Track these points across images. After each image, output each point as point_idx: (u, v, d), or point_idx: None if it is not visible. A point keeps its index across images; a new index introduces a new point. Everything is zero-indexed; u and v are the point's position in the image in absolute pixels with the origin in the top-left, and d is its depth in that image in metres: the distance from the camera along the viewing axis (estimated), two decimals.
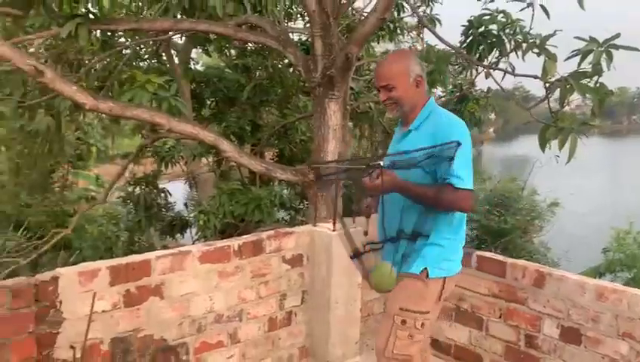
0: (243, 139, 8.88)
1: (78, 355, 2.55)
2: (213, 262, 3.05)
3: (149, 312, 2.81)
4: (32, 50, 6.52)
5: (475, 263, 3.34)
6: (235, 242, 3.16)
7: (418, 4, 7.48)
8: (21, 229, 8.78)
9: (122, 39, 6.75)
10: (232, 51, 9.18)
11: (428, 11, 7.50)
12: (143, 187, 8.76)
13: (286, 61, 7.93)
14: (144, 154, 8.03)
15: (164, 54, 9.07)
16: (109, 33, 5.65)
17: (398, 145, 2.49)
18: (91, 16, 4.05)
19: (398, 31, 7.78)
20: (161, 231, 8.98)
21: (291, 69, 8.08)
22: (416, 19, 7.89)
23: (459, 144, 2.17)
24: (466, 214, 2.45)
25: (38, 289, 2.48)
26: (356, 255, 2.36)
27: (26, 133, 6.96)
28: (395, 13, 7.47)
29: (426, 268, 2.33)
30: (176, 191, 10.07)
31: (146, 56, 8.63)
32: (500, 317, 3.22)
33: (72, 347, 2.54)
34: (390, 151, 2.53)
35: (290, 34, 6.59)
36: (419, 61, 2.40)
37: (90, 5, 3.96)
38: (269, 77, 8.82)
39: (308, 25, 5.83)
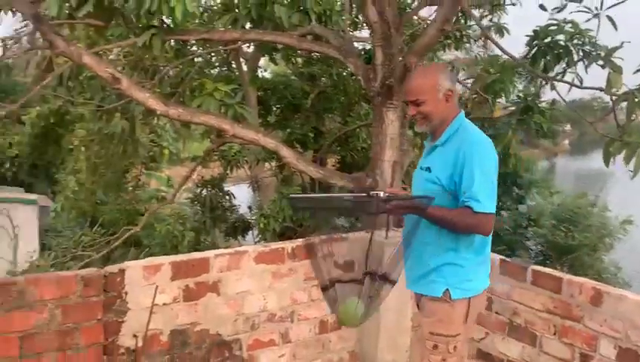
0: (306, 145, 9.06)
1: (140, 344, 2.73)
2: (268, 262, 3.18)
3: (206, 307, 2.97)
4: (111, 57, 6.98)
5: (530, 277, 3.28)
6: (289, 245, 3.28)
7: (486, 13, 7.37)
8: (96, 225, 9.36)
9: (194, 47, 7.09)
10: (299, 60, 9.40)
11: (496, 20, 7.38)
12: (209, 189, 9.12)
13: (349, 69, 8.03)
14: (211, 157, 8.36)
15: (233, 62, 9.41)
16: (181, 42, 5.96)
17: (425, 160, 2.47)
18: (166, 26, 4.32)
19: (465, 39, 7.70)
20: (225, 232, 9.29)
21: (354, 77, 8.18)
22: (485, 27, 7.78)
23: (430, 199, 2.16)
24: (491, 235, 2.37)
25: (107, 280, 2.69)
26: (324, 288, 2.35)
27: (103, 135, 7.45)
28: (463, 21, 7.40)
29: (447, 290, 2.28)
30: (241, 195, 10.39)
31: (217, 64, 8.98)
32: (555, 334, 3.14)
33: (134, 336, 2.73)
34: (419, 165, 2.50)
35: (356, 43, 6.68)
36: (449, 75, 2.38)
37: (164, 17, 4.21)
38: (333, 85, 8.97)
39: None
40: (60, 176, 12.64)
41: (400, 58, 4.10)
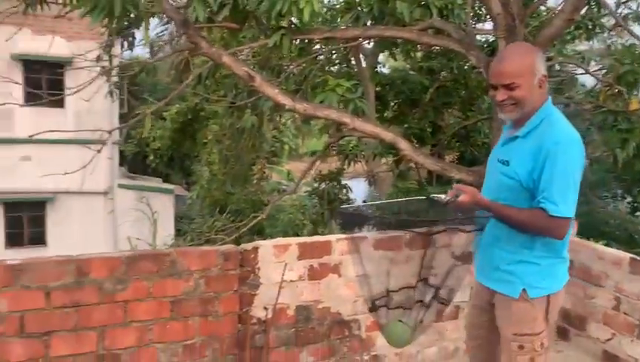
0: (423, 140, 9.07)
1: (270, 316, 3.01)
2: (386, 249, 3.31)
3: (328, 287, 3.18)
4: (241, 57, 7.53)
5: None
6: (406, 234, 3.40)
7: (623, 0, 6.89)
8: (224, 213, 10.13)
9: (317, 46, 7.42)
10: (418, 54, 9.41)
11: (635, 7, 6.87)
12: (327, 183, 9.47)
13: (471, 63, 7.92)
14: (330, 151, 8.68)
15: (353, 59, 9.65)
16: (305, 41, 6.28)
17: (501, 150, 2.28)
18: (293, 26, 4.62)
19: (598, 29, 7.25)
20: (341, 225, 9.58)
21: (476, 70, 8.05)
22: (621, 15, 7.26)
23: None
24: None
25: (243, 256, 2.99)
26: (372, 309, 2.32)
27: (235, 130, 8.07)
28: (596, 10, 6.99)
29: (524, 290, 2.17)
30: (357, 189, 10.64)
31: (337, 61, 9.27)
32: None
33: (265, 308, 3.02)
34: (491, 155, 2.35)
35: (478, 35, 6.59)
36: (543, 58, 2.16)
37: (293, 18, 4.51)
38: (453, 79, 8.88)
39: None
40: (195, 168, 13.77)
41: None
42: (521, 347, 2.20)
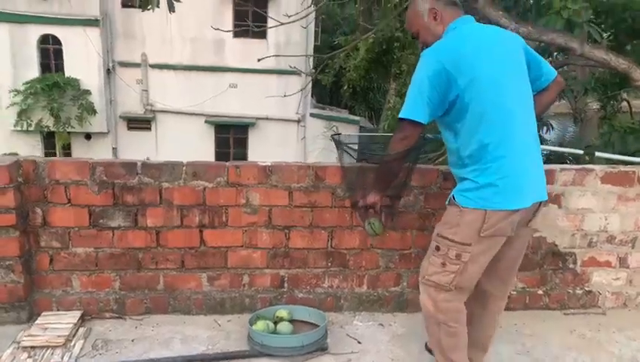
0: None
1: None
2: (615, 184, 3.12)
3: (545, 217, 3.11)
4: None
5: None
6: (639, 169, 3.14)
7: None
8: None
9: None
10: None
11: None
12: None
13: None
14: None
15: None
16: None
17: None
18: None
19: None
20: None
21: None
22: None
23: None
24: (495, 142, 2.12)
25: None
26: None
27: None
28: None
29: (453, 196, 2.27)
30: (560, 127, 9.89)
31: None
32: None
33: None
34: None
35: None
36: None
37: None
38: None
39: None
40: (379, 100, 13.90)
41: None
42: (437, 248, 2.28)
